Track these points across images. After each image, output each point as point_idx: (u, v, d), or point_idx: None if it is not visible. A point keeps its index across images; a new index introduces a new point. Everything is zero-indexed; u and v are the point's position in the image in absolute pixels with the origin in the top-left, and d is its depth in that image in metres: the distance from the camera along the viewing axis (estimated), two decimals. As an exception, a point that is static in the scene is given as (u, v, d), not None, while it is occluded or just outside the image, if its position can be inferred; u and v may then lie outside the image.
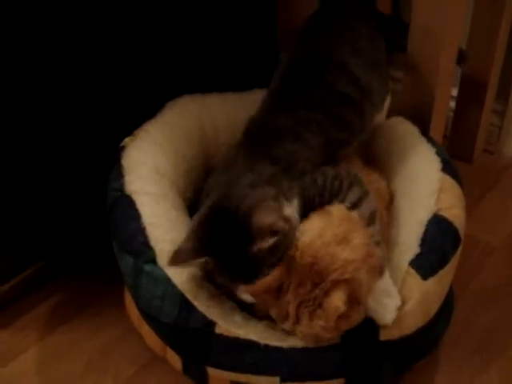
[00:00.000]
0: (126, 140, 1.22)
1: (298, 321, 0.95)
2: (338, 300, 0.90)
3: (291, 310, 0.94)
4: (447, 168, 1.19)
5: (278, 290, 0.95)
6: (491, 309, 1.30)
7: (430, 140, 1.28)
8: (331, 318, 0.91)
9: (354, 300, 0.92)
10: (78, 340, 1.25)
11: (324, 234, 0.96)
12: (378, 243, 1.02)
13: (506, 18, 1.54)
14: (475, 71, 1.62)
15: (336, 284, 0.91)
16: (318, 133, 1.10)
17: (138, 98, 1.32)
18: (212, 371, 1.02)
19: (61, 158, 1.27)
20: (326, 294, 0.92)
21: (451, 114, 1.72)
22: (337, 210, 1.02)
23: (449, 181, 1.17)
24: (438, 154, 1.22)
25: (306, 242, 0.95)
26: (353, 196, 1.05)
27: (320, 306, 0.92)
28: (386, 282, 0.99)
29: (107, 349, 1.23)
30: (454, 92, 1.67)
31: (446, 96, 1.47)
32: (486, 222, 1.52)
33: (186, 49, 1.39)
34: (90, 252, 1.37)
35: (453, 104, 1.69)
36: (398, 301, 0.99)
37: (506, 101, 1.72)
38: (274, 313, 0.98)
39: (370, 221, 1.03)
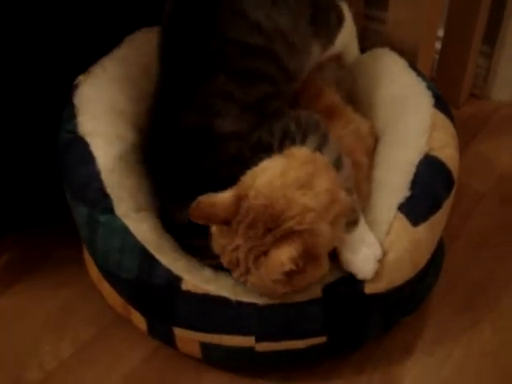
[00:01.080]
0: (80, 77, 1.09)
1: (248, 270, 0.84)
2: (285, 255, 0.79)
3: (241, 255, 0.83)
4: (439, 104, 1.07)
5: (226, 223, 0.84)
6: (482, 259, 1.21)
7: (420, 73, 1.15)
8: (274, 272, 0.80)
9: (310, 254, 0.81)
10: (32, 300, 1.14)
11: (285, 174, 0.84)
12: (348, 190, 0.90)
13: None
14: (462, 10, 1.49)
15: (289, 234, 0.81)
16: (235, 107, 0.94)
17: (94, 32, 1.17)
18: (179, 332, 0.92)
19: (10, 99, 1.12)
20: (277, 243, 0.81)
21: (436, 57, 1.59)
22: (300, 151, 0.90)
23: (441, 118, 1.05)
24: (429, 88, 1.09)
25: (264, 181, 0.83)
26: (310, 146, 0.93)
27: (265, 254, 0.82)
28: (362, 232, 0.89)
29: (65, 309, 1.12)
30: (440, 32, 1.54)
31: (433, 35, 1.37)
32: (474, 169, 1.42)
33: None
34: (44, 205, 1.23)
35: (438, 45, 1.57)
36: (379, 251, 0.89)
37: (494, 42, 1.60)
38: (225, 260, 0.86)
39: (335, 168, 0.91)
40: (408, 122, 1.05)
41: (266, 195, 0.82)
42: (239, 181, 0.86)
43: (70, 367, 1.03)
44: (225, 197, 0.84)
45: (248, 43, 0.94)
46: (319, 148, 0.93)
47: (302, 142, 0.94)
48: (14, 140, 1.14)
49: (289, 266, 0.78)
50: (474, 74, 1.64)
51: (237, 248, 0.83)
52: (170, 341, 0.95)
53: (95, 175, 0.94)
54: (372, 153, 1.10)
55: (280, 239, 0.81)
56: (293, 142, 0.93)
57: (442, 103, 1.08)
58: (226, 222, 0.84)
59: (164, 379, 1.00)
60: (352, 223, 0.89)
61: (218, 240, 0.86)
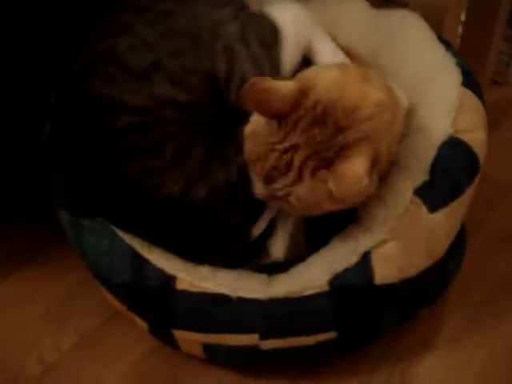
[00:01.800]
0: None
1: (300, 178, 0.73)
2: (361, 167, 0.68)
3: (297, 158, 0.71)
4: (469, 82, 0.95)
5: (279, 117, 0.72)
6: (506, 252, 1.12)
7: (450, 47, 1.02)
8: (350, 190, 0.69)
9: (375, 162, 0.71)
10: (33, 288, 1.08)
11: (347, 72, 0.75)
12: None
13: None
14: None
15: (359, 140, 0.70)
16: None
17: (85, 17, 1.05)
18: (179, 334, 0.85)
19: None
20: (345, 151, 0.70)
21: (458, 40, 1.49)
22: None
23: (471, 97, 0.93)
24: (459, 64, 0.97)
25: (328, 78, 0.73)
26: None
27: (331, 163, 0.70)
28: None
29: (66, 299, 1.05)
30: (462, 16, 1.44)
31: (456, 19, 1.29)
32: (498, 158, 1.29)
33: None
34: (43, 193, 1.14)
35: (459, 29, 1.47)
36: None
37: (519, 26, 1.51)
38: (267, 164, 0.74)
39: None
40: (433, 101, 0.94)
41: (337, 89, 0.72)
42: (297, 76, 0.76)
43: (70, 360, 0.97)
44: (287, 84, 0.72)
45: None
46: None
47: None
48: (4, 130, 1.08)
49: (366, 180, 0.68)
50: (497, 59, 1.55)
51: (293, 149, 0.72)
52: (171, 342, 0.88)
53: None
54: None
55: (348, 147, 0.70)
56: None
57: (473, 81, 0.96)
58: (280, 116, 0.72)
59: (168, 374, 0.93)
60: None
61: (261, 139, 0.74)
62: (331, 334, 0.82)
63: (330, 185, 0.70)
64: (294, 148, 0.72)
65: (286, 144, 0.72)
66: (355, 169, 0.69)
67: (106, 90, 0.81)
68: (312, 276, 0.80)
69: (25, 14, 1.00)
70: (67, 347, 0.98)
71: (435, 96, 0.94)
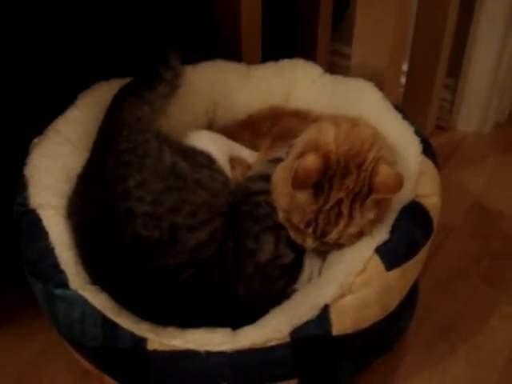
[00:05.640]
0: (35, 141, 1.02)
1: (352, 220, 0.87)
2: (387, 169, 0.86)
3: (344, 209, 0.87)
4: (427, 150, 1.03)
5: (317, 185, 0.87)
6: (453, 292, 1.19)
7: (406, 117, 1.09)
8: (395, 186, 0.86)
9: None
10: (5, 351, 1.10)
11: (339, 124, 0.92)
12: None
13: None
14: (425, 44, 1.50)
15: (377, 160, 0.88)
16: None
17: (48, 90, 1.10)
18: None
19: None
20: (372, 174, 0.87)
21: (401, 90, 1.59)
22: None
23: (428, 165, 1.01)
24: (417, 133, 1.05)
25: (333, 135, 0.90)
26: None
27: (370, 192, 0.87)
28: None
29: (40, 357, 1.08)
30: (404, 67, 1.54)
31: (398, 70, 1.36)
32: (443, 201, 1.38)
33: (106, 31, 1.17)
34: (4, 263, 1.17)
35: (403, 79, 1.57)
36: None
37: (458, 75, 1.61)
38: (321, 222, 0.88)
39: None
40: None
41: (346, 141, 0.89)
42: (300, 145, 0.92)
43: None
44: (313, 158, 0.85)
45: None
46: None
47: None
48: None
49: (398, 173, 0.85)
50: (439, 106, 1.64)
51: (338, 204, 0.87)
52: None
53: (48, 251, 0.90)
54: None
55: (373, 170, 0.87)
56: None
57: (430, 149, 1.04)
58: (317, 184, 0.86)
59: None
60: None
61: (308, 208, 0.87)
62: (292, 382, 0.86)
63: (376, 196, 0.86)
64: (339, 202, 0.87)
65: (332, 202, 0.87)
66: (386, 172, 0.86)
67: (159, 263, 0.89)
68: (275, 328, 0.85)
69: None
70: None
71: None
